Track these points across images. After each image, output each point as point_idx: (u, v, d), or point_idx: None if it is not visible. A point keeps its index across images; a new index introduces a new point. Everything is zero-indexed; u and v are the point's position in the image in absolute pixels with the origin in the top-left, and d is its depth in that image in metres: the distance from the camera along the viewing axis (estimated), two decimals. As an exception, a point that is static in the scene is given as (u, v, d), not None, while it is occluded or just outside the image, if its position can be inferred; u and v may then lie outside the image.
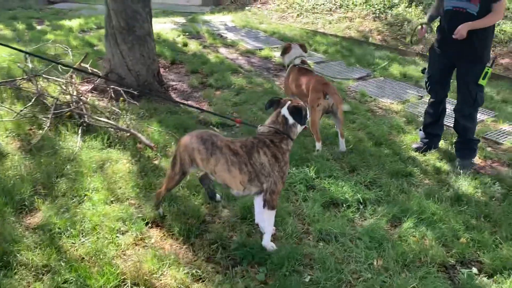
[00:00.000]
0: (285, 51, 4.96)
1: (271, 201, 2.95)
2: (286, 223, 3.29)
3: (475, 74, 4.08)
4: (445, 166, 4.38)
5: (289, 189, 3.77)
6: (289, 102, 3.05)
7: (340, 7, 11.49)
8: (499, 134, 5.30)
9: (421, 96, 6.59)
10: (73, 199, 3.45)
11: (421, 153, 4.60)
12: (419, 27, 4.57)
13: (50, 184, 3.59)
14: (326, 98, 4.33)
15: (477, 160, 4.58)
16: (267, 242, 3.03)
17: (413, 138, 4.97)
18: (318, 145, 4.46)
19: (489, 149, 4.89)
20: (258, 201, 3.11)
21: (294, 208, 3.53)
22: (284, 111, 3.00)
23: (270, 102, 3.15)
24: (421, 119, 5.68)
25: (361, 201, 3.63)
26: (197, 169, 3.18)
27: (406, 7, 10.69)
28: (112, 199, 3.48)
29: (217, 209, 3.48)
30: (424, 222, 3.39)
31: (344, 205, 3.57)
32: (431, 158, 4.53)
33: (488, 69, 4.05)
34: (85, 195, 3.50)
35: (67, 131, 4.41)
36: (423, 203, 3.59)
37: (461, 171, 4.20)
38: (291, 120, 2.98)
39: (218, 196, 3.58)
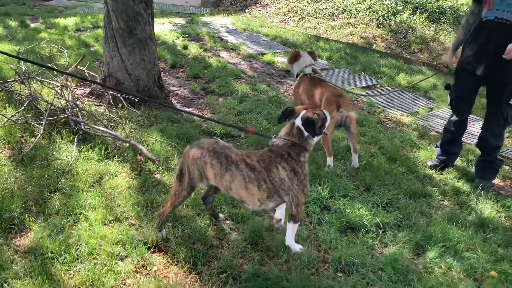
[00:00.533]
0: (294, 59, 4.69)
1: (298, 214, 2.86)
2: (301, 249, 3.02)
3: (508, 94, 3.84)
4: (464, 186, 4.13)
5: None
6: (303, 112, 2.81)
7: (342, 12, 11.26)
8: (516, 152, 5.09)
9: (431, 108, 6.37)
10: (67, 218, 3.15)
11: (438, 171, 4.36)
12: (444, 68, 4.27)
13: (42, 200, 3.28)
14: (339, 110, 4.07)
15: (495, 180, 4.35)
16: (293, 245, 3.00)
17: (427, 154, 4.73)
18: (330, 160, 4.20)
19: (507, 167, 4.66)
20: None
21: (308, 233, 3.25)
22: (298, 122, 2.80)
23: (284, 114, 2.91)
24: (434, 133, 5.47)
25: (380, 225, 3.37)
26: (207, 183, 2.90)
27: (410, 15, 10.49)
28: (110, 218, 3.18)
29: (225, 232, 3.20)
30: (450, 250, 3.14)
31: (362, 230, 3.30)
32: (449, 177, 4.29)
33: None
34: (81, 213, 3.20)
35: (62, 139, 4.10)
36: (446, 229, 3.34)
37: (482, 192, 3.96)
38: (306, 133, 2.80)
39: (221, 215, 3.31)
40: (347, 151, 4.50)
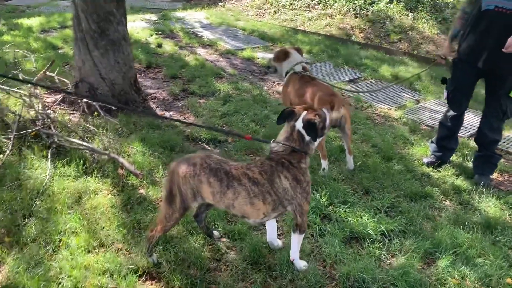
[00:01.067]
0: (283, 57, 4.41)
1: (303, 223, 2.68)
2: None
3: (508, 86, 3.68)
4: (464, 184, 3.98)
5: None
6: (304, 113, 2.58)
7: (318, 3, 11.03)
8: (510, 143, 4.97)
9: (418, 101, 6.23)
10: (46, 246, 2.83)
11: (435, 168, 4.20)
12: (441, 60, 4.07)
13: (15, 228, 2.95)
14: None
15: (493, 174, 4.22)
16: (298, 261, 2.80)
17: (421, 151, 4.57)
18: (324, 163, 3.98)
19: (502, 160, 4.54)
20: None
21: (311, 247, 3.03)
22: (299, 125, 2.56)
23: (283, 116, 2.66)
24: (424, 126, 5.33)
25: (386, 233, 3.18)
26: (202, 202, 2.64)
27: (387, 3, 10.35)
28: (94, 244, 2.88)
29: (222, 252, 2.94)
30: (461, 257, 2.97)
31: (367, 240, 3.10)
32: (447, 174, 4.13)
33: None
34: (61, 240, 2.89)
35: (34, 155, 3.74)
36: (454, 233, 3.17)
37: (484, 189, 3.82)
38: (307, 137, 2.56)
39: (215, 233, 3.05)
40: (340, 151, 4.29)
